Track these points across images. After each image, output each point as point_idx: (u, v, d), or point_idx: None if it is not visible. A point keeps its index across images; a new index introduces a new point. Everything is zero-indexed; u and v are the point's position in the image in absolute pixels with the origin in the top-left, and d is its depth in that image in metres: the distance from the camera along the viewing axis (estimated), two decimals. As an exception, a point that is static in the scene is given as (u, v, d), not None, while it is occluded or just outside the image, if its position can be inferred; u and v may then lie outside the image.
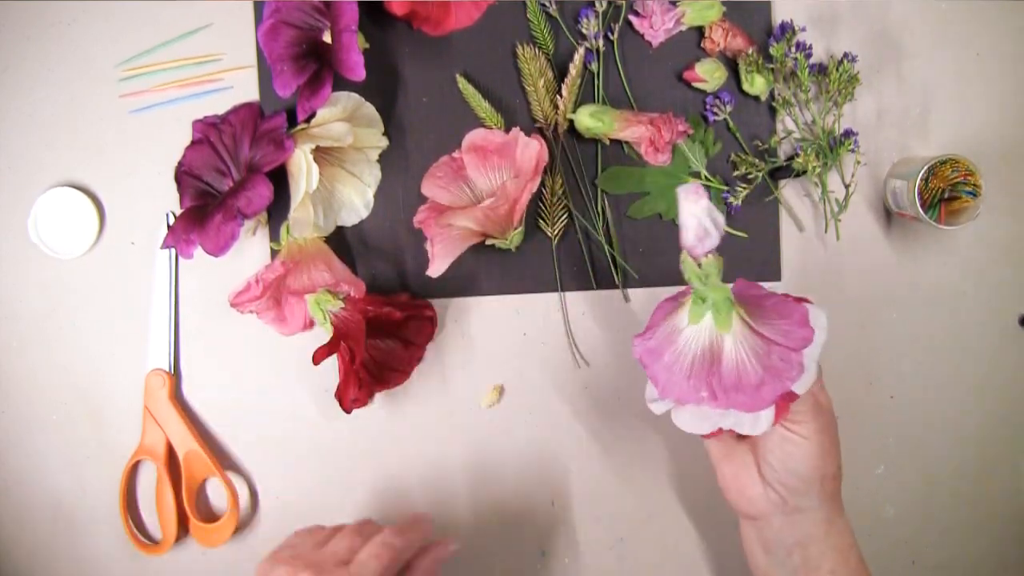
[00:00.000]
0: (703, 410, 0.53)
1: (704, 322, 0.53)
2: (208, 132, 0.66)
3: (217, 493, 0.69)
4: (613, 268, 0.70)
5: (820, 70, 0.69)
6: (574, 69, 0.67)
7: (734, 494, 0.58)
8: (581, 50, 0.67)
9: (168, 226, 0.68)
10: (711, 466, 0.59)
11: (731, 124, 0.70)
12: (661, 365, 0.53)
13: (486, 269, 0.70)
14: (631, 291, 0.70)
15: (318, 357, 0.62)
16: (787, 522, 0.56)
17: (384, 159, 0.68)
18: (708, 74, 0.68)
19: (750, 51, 0.68)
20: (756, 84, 0.68)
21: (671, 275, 0.70)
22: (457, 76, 0.68)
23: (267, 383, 0.69)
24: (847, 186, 0.70)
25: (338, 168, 0.67)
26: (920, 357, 0.73)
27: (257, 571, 0.54)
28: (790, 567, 0.56)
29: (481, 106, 0.68)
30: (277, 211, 0.68)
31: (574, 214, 0.69)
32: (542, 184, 0.68)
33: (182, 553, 0.69)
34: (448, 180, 0.67)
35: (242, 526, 0.69)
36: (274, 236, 0.68)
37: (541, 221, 0.69)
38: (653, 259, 0.70)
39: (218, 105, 0.67)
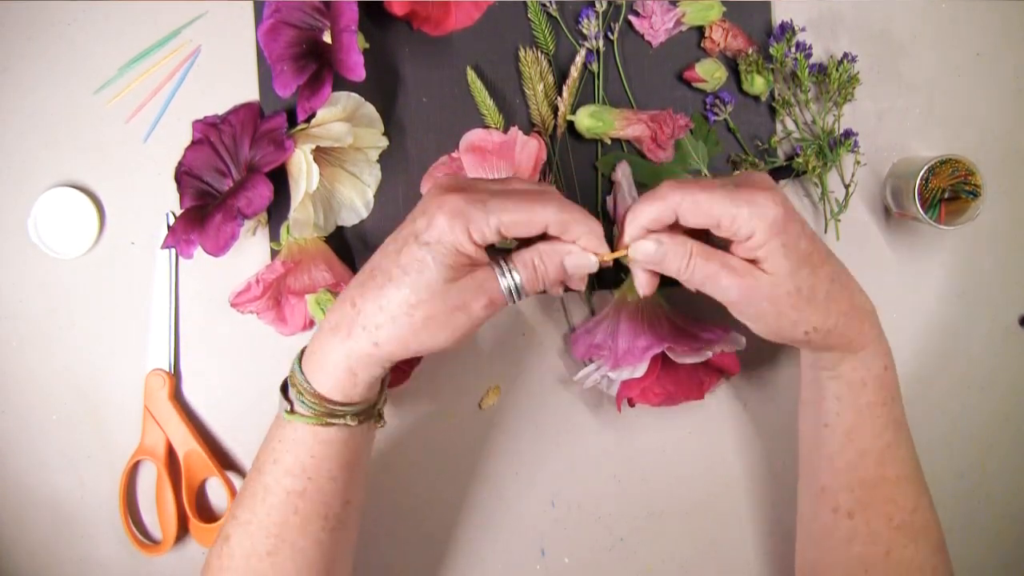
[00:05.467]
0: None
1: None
2: (208, 132, 0.66)
3: (217, 493, 0.69)
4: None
5: (820, 70, 0.69)
6: (575, 71, 0.67)
7: None
8: (582, 52, 0.67)
9: (168, 226, 0.68)
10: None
11: (731, 124, 0.70)
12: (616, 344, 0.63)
13: (486, 269, 0.70)
14: (631, 291, 0.70)
15: (318, 357, 0.61)
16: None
17: (384, 159, 0.68)
18: (708, 74, 0.68)
19: (750, 51, 0.68)
20: (756, 84, 0.68)
21: (671, 275, 0.70)
22: (468, 69, 0.68)
23: (267, 383, 0.69)
24: (847, 186, 0.70)
25: (338, 168, 0.67)
26: (920, 357, 0.73)
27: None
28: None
29: (485, 103, 0.68)
30: (277, 211, 0.68)
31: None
32: None
33: (182, 553, 0.69)
34: (448, 180, 0.67)
35: (242, 526, 0.69)
36: (274, 236, 0.68)
37: None
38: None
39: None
